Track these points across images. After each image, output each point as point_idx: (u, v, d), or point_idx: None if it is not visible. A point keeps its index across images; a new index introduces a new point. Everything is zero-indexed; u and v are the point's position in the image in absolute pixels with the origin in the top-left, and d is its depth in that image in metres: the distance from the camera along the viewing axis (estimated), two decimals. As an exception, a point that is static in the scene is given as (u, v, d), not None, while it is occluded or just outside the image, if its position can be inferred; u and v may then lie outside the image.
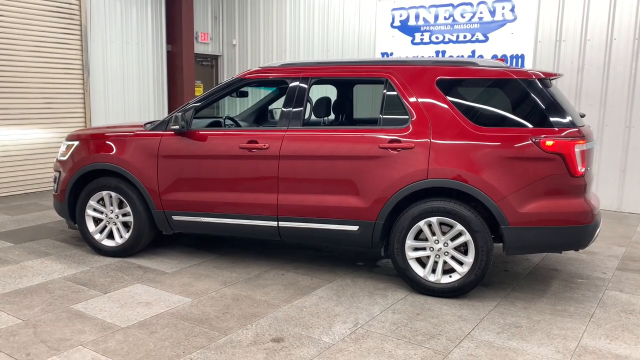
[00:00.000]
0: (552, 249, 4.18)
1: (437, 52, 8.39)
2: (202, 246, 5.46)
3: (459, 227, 4.04)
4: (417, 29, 8.51)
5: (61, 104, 8.29)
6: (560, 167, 3.89)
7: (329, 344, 3.39)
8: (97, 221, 5.10)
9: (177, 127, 4.66)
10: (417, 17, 8.49)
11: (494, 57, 7.95)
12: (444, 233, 4.13)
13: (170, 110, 9.83)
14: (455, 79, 4.21)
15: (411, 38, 8.57)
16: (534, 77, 4.07)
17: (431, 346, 3.39)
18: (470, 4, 8.03)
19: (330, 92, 5.74)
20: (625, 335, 3.62)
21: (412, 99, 4.22)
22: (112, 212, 5.01)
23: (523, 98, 4.08)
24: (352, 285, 4.44)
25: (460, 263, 4.11)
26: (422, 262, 4.24)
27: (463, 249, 4.12)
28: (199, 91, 10.46)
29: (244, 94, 5.71)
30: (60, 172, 5.21)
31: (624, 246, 5.76)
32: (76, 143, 5.17)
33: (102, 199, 5.03)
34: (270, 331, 3.56)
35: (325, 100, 5.09)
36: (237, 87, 4.89)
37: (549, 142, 3.88)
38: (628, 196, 7.32)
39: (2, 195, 7.72)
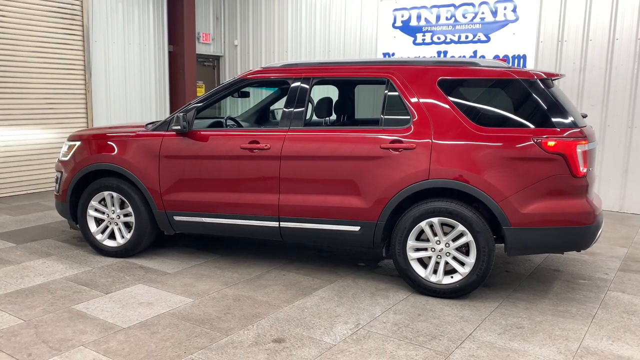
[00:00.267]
0: (554, 249, 4.17)
1: (438, 53, 8.39)
2: (204, 246, 5.47)
3: (461, 227, 4.03)
4: (418, 29, 8.51)
5: (63, 104, 8.31)
6: (562, 167, 3.88)
7: (330, 345, 3.39)
8: (98, 221, 5.10)
9: (178, 127, 4.66)
10: (418, 17, 8.48)
11: (496, 57, 7.94)
12: (445, 234, 4.12)
13: (171, 110, 9.84)
14: (456, 79, 4.20)
15: (413, 38, 8.56)
16: (535, 77, 4.06)
17: (432, 347, 3.39)
18: (472, 5, 8.03)
19: (332, 92, 5.74)
20: (627, 336, 3.61)
21: (414, 99, 4.22)
22: (113, 213, 5.01)
23: (525, 98, 4.07)
24: (353, 286, 4.43)
25: (462, 264, 4.10)
26: (423, 262, 4.23)
27: (464, 249, 4.11)
28: (201, 92, 10.47)
29: (246, 95, 5.71)
30: (62, 172, 5.22)
31: (626, 247, 5.74)
32: (78, 143, 5.17)
33: (103, 199, 5.04)
34: (272, 332, 3.56)
35: (326, 101, 5.09)
36: (238, 88, 4.89)
37: (551, 143, 3.87)
38: (630, 197, 7.31)
39: (5, 196, 7.73)
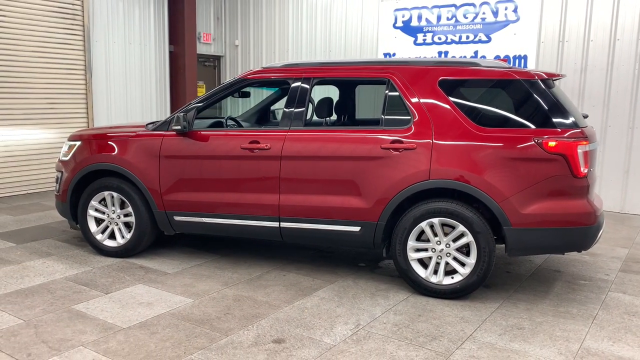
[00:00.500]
0: (555, 250, 4.16)
1: (439, 53, 8.38)
2: (204, 247, 5.46)
3: (461, 228, 4.02)
4: (419, 29, 8.50)
5: (64, 104, 8.31)
6: (563, 168, 3.87)
7: (330, 345, 3.38)
8: (99, 221, 5.10)
9: (178, 127, 4.65)
10: (419, 17, 8.47)
11: (497, 57, 7.93)
12: (446, 234, 4.11)
13: (172, 110, 9.84)
14: (457, 80, 4.20)
15: (414, 39, 8.56)
16: (536, 77, 4.06)
17: (433, 348, 3.38)
18: (473, 5, 8.02)
19: (332, 92, 5.73)
20: (628, 337, 3.60)
21: (414, 100, 4.21)
22: (113, 213, 5.01)
23: (525, 99, 4.07)
24: (353, 286, 4.43)
25: (462, 264, 4.10)
26: (424, 263, 4.23)
27: (465, 250, 4.11)
28: (201, 92, 10.46)
29: (246, 95, 5.71)
30: (62, 172, 5.22)
31: (627, 248, 5.73)
32: (78, 143, 5.17)
33: (104, 199, 5.03)
34: (272, 332, 3.55)
35: (327, 101, 5.08)
36: (239, 88, 4.88)
37: (552, 143, 3.86)
38: (631, 197, 7.30)
39: (5, 196, 7.73)
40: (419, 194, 4.15)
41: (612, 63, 7.22)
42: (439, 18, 8.31)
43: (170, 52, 9.87)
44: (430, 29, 8.41)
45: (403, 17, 8.63)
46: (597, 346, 3.45)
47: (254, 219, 4.57)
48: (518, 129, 4.00)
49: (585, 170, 3.91)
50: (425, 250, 4.18)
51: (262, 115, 6.01)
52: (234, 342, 3.41)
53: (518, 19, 7.74)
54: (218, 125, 5.38)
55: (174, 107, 9.92)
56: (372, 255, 5.29)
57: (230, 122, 5.60)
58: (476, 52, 8.09)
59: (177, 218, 4.81)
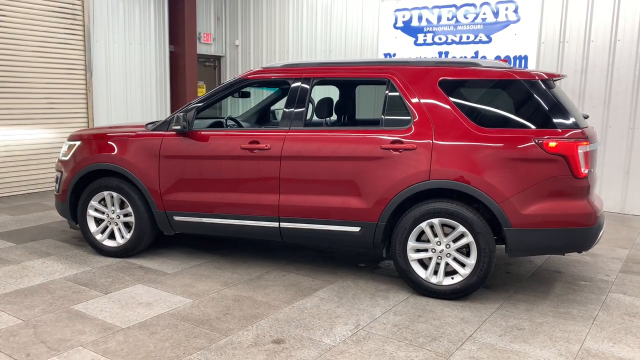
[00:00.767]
0: (555, 251, 4.15)
1: (440, 53, 8.37)
2: (203, 247, 5.45)
3: (461, 228, 4.02)
4: (420, 29, 8.50)
5: (64, 104, 8.30)
6: (564, 168, 3.86)
7: (330, 346, 3.38)
8: (98, 221, 5.09)
9: (178, 127, 4.65)
10: (420, 18, 8.47)
11: (497, 58, 7.92)
12: (446, 234, 4.10)
13: (172, 110, 9.83)
14: (457, 80, 4.19)
15: (414, 39, 8.55)
16: (537, 78, 4.05)
17: (433, 348, 3.37)
18: (474, 5, 8.01)
19: (333, 92, 5.72)
20: (628, 338, 3.59)
21: (415, 100, 4.20)
22: (113, 213, 5.00)
23: (526, 99, 4.06)
24: (353, 287, 4.42)
25: (463, 265, 4.09)
26: (424, 263, 4.22)
27: (465, 250, 4.10)
28: (201, 92, 10.46)
29: (246, 95, 5.70)
30: (62, 172, 5.21)
31: (627, 248, 5.72)
32: (78, 143, 5.17)
33: (103, 199, 5.03)
34: (271, 332, 3.55)
35: (327, 101, 5.07)
36: (239, 88, 4.88)
37: (552, 144, 3.85)
38: (631, 198, 7.29)
39: (5, 195, 7.73)
40: (419, 194, 4.14)
41: (612, 63, 7.21)
42: (439, 18, 8.30)
43: (171, 52, 9.87)
44: (430, 30, 8.40)
45: (403, 17, 8.63)
46: (597, 347, 3.45)
47: (254, 219, 4.57)
48: (518, 129, 3.99)
49: (586, 171, 3.90)
50: (425, 250, 4.17)
51: (262, 116, 6.00)
52: (234, 342, 3.40)
53: (518, 20, 7.74)
54: (218, 125, 5.37)
55: (174, 107, 9.92)
56: (372, 255, 5.29)
57: (230, 122, 5.60)
58: (477, 53, 8.08)
59: (176, 218, 4.81)
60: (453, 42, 8.23)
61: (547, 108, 3.98)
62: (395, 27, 8.73)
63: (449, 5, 8.20)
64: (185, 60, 9.82)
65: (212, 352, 3.27)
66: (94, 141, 5.09)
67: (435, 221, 4.07)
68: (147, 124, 5.15)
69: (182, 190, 4.74)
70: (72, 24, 8.27)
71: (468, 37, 8.11)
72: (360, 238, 4.32)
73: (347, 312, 3.91)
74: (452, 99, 4.13)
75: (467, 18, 8.08)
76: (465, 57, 8.14)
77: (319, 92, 5.89)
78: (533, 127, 3.95)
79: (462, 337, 3.53)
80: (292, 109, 4.55)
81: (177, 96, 9.98)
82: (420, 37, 8.49)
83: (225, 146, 4.62)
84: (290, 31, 9.93)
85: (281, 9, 10.01)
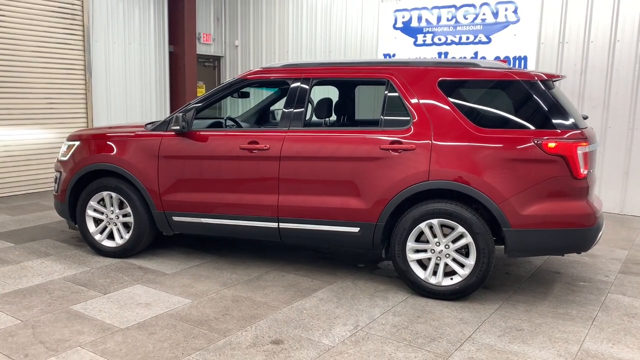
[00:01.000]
0: (554, 251, 4.15)
1: (439, 54, 8.37)
2: (202, 247, 5.45)
3: (460, 229, 4.01)
4: (419, 30, 8.50)
5: (63, 104, 8.30)
6: (563, 169, 3.86)
7: (329, 346, 3.37)
8: (97, 222, 5.09)
9: (177, 127, 4.65)
10: (419, 18, 8.47)
11: (497, 58, 7.92)
12: (445, 235, 4.10)
13: (172, 110, 9.83)
14: (457, 80, 4.19)
15: (414, 39, 8.55)
16: (536, 78, 4.05)
17: (432, 349, 3.37)
18: (473, 6, 8.01)
19: (332, 93, 5.72)
20: (627, 339, 3.59)
21: (414, 100, 4.20)
22: (112, 213, 5.00)
23: (525, 99, 4.06)
24: (352, 287, 4.41)
25: (462, 265, 4.09)
26: (423, 264, 4.22)
27: (464, 251, 4.10)
28: (201, 92, 10.45)
29: (246, 95, 5.70)
30: (61, 172, 5.21)
31: (626, 249, 5.72)
32: (77, 143, 5.16)
33: (102, 199, 5.02)
34: (270, 333, 3.54)
35: (326, 101, 5.07)
36: (238, 88, 4.88)
37: (552, 144, 3.85)
38: (631, 199, 7.29)
39: (4, 196, 7.72)
40: (418, 194, 4.14)
41: (612, 64, 7.21)
42: (439, 19, 8.30)
43: (170, 52, 9.86)
44: (430, 30, 8.40)
45: (403, 17, 8.63)
46: (596, 348, 3.44)
47: (253, 219, 4.56)
48: (518, 130, 3.99)
49: (585, 172, 3.90)
50: (425, 251, 4.17)
51: (262, 116, 6.00)
52: (232, 343, 3.39)
53: (518, 20, 7.74)
54: (217, 125, 5.37)
55: (173, 107, 9.91)
56: (371, 256, 5.28)
57: (229, 123, 5.59)
58: (476, 53, 8.08)
59: (175, 218, 4.80)
60: (452, 42, 8.23)
61: (546, 109, 3.97)
62: (394, 27, 8.73)
63: (448, 6, 8.20)
64: (184, 61, 9.82)
65: (211, 352, 3.26)
66: (93, 141, 5.09)
67: (435, 222, 4.07)
68: (146, 124, 5.15)
69: (181, 190, 4.74)
70: (72, 24, 8.27)
71: (467, 38, 8.11)
72: (360, 238, 4.32)
73: (346, 312, 3.91)
74: (451, 100, 4.13)
75: (466, 18, 8.08)
76: (465, 57, 8.14)
77: (319, 93, 5.89)
78: (532, 127, 3.95)
79: (461, 338, 3.53)
80: (292, 109, 4.55)
81: (177, 96, 9.98)
82: (420, 37, 8.49)
83: (225, 146, 4.61)
84: (289, 31, 9.93)
85: (281, 9, 10.01)
